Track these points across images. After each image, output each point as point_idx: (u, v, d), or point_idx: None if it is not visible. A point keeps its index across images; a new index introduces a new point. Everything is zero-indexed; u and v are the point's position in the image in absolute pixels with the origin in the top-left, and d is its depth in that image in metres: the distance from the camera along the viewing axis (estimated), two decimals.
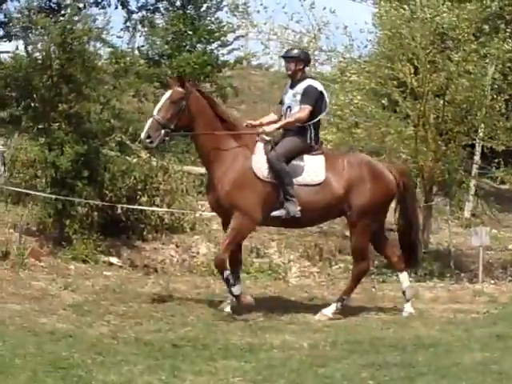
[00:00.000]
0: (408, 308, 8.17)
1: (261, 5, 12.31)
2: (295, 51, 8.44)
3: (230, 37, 15.23)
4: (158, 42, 15.68)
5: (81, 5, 15.75)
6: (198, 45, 14.99)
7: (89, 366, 5.81)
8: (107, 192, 11.06)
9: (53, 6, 18.75)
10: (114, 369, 5.82)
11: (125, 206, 11.03)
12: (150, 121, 7.63)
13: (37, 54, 12.23)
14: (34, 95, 11.27)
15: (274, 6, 12.69)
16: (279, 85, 17.45)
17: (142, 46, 16.05)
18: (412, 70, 11.50)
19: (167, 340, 6.60)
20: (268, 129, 8.01)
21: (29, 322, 6.99)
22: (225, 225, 7.98)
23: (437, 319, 7.95)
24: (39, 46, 11.94)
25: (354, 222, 7.99)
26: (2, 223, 10.79)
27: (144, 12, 18.09)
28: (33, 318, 7.20)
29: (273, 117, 8.34)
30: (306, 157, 7.88)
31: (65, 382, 5.41)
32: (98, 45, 12.10)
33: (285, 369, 5.64)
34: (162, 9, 17.14)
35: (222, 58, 15.02)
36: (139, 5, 18.32)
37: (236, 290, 7.68)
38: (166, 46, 15.16)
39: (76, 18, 11.80)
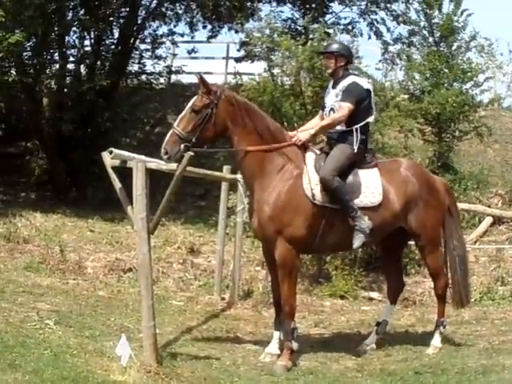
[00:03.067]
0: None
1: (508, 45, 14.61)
2: (335, 46, 8.88)
3: (481, 77, 17.76)
4: (417, 77, 18.10)
5: (330, 30, 17.78)
6: (455, 83, 17.36)
7: None
8: None
9: (298, 28, 21.45)
10: None
11: None
12: (169, 133, 8.13)
13: (284, 78, 14.18)
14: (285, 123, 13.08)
15: None
16: None
17: (403, 81, 18.57)
18: None
19: (411, 368, 8.13)
20: (302, 136, 8.44)
21: (265, 362, 8.35)
22: (266, 254, 8.73)
23: None
24: (285, 69, 13.79)
25: (423, 241, 8.94)
26: (248, 260, 12.66)
27: (400, 45, 21.55)
28: (270, 358, 8.47)
29: (316, 122, 8.90)
30: (360, 172, 8.51)
31: None
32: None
33: None
34: (416, 43, 20.23)
35: (476, 98, 17.56)
36: (394, 37, 21.92)
37: (295, 345, 8.26)
38: (426, 83, 17.31)
39: (325, 44, 13.44)
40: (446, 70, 17.26)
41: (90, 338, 8.42)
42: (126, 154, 8.47)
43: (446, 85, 17.12)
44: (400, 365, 8.29)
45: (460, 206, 15.60)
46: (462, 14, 17.83)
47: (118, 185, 8.21)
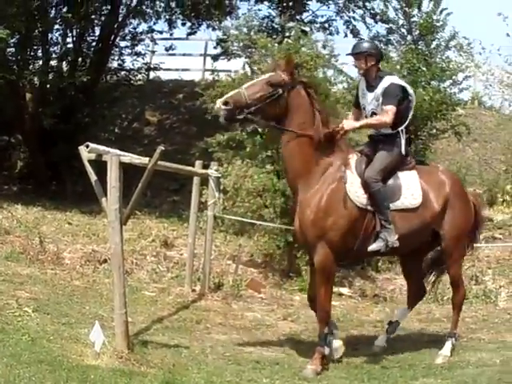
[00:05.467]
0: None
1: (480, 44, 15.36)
2: (363, 45, 8.57)
3: (460, 76, 17.06)
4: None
5: (307, 28, 17.74)
6: (432, 82, 16.57)
7: None
8: None
9: (275, 26, 21.33)
10: None
11: None
12: (235, 91, 7.98)
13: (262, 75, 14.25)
14: None
15: (490, 47, 14.46)
16: (505, 126, 21.34)
17: None
18: None
19: (378, 363, 8.17)
20: (347, 125, 8.16)
21: (232, 352, 8.41)
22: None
23: None
24: (261, 66, 13.83)
25: (451, 247, 8.58)
26: (220, 254, 12.68)
27: (377, 43, 20.40)
28: (238, 348, 8.61)
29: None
30: (400, 174, 8.29)
31: None
32: (331, 72, 14.05)
33: None
34: (394, 41, 19.59)
35: (454, 97, 16.65)
36: (371, 35, 21.36)
37: (327, 350, 8.02)
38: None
39: (301, 42, 13.55)
40: (424, 69, 16.63)
41: (66, 324, 8.50)
42: (101, 148, 8.49)
43: (423, 83, 16.44)
44: (367, 359, 8.30)
45: None
46: (441, 12, 17.12)
47: (93, 177, 8.24)
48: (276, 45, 13.92)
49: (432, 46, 17.32)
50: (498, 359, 8.15)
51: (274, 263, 12.46)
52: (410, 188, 8.23)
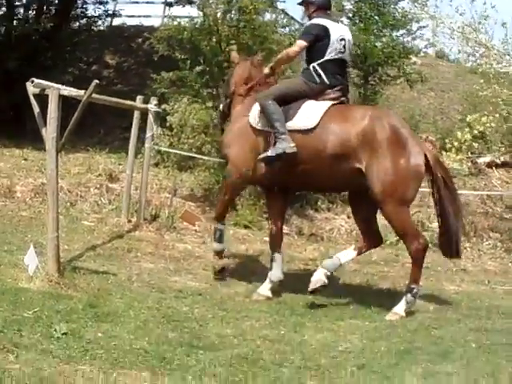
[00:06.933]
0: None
1: None
2: None
3: (414, 26, 15.87)
4: (345, 23, 15.67)
5: None
6: (384, 30, 15.50)
7: (206, 321, 6.65)
8: None
9: None
10: (232, 323, 6.65)
11: None
12: None
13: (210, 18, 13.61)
14: (201, 59, 12.57)
15: None
16: (463, 77, 19.86)
17: None
18: None
19: (302, 300, 7.60)
20: (266, 69, 8.27)
21: (157, 280, 7.97)
22: None
23: None
24: (205, 10, 13.23)
25: (382, 200, 7.27)
26: (161, 188, 12.14)
27: None
28: (163, 277, 8.19)
29: None
30: (307, 101, 7.66)
31: (173, 332, 6.19)
32: (275, 15, 13.73)
33: (403, 329, 6.68)
34: None
35: (407, 45, 15.56)
36: None
37: (217, 246, 8.27)
38: (354, 28, 15.43)
39: None
40: (377, 17, 15.44)
41: (7, 252, 8.25)
42: (44, 83, 8.10)
43: (375, 31, 15.31)
44: (291, 296, 7.75)
45: None
46: None
47: (36, 109, 7.97)
48: None
49: None
50: (431, 306, 7.66)
51: (213, 198, 11.86)
52: (307, 112, 7.58)
